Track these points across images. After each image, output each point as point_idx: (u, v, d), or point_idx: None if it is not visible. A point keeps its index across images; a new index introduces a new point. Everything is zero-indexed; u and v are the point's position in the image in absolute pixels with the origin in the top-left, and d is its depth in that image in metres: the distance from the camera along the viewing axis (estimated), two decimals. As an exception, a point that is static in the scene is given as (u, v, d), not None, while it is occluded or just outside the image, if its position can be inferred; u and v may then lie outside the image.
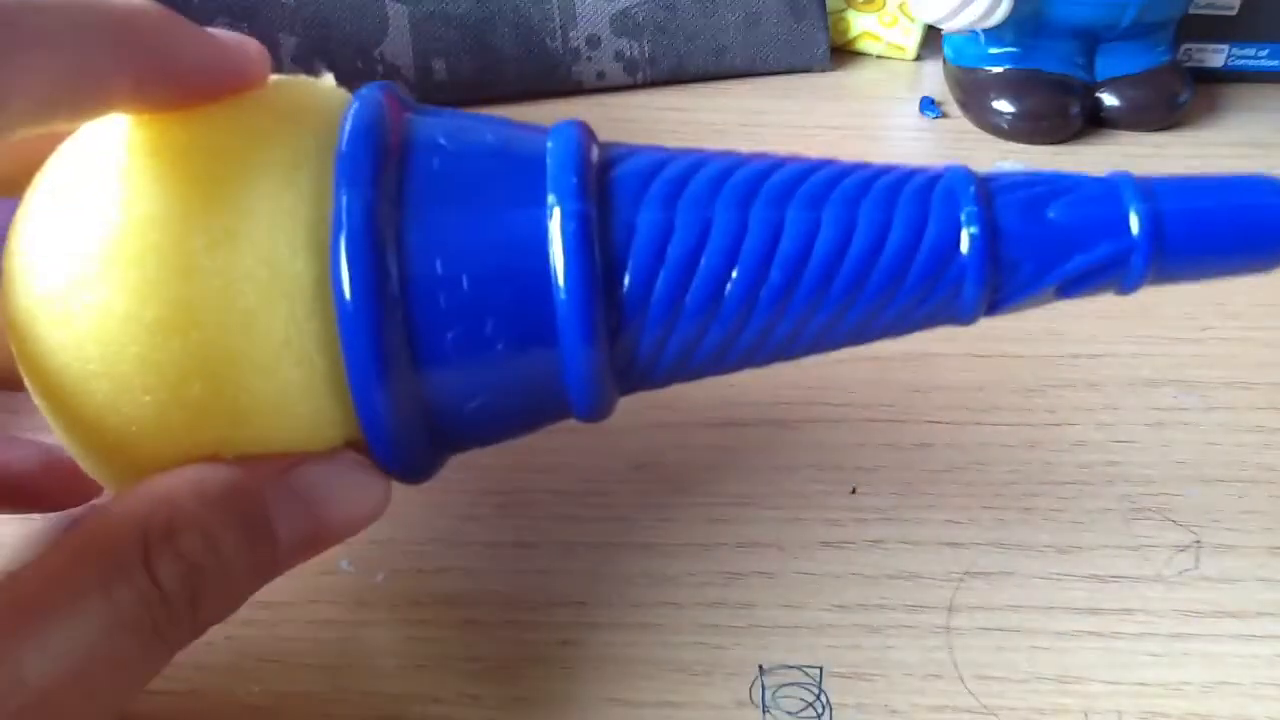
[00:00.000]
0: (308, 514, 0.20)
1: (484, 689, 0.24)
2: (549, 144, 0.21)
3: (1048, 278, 0.21)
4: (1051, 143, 0.48)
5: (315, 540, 0.20)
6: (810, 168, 0.21)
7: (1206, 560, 0.28)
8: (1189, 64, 0.52)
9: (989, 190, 0.21)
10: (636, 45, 0.50)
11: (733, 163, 0.21)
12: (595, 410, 0.21)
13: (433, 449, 0.21)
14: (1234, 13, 0.51)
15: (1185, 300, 0.38)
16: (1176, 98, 0.49)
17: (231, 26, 0.46)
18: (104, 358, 0.18)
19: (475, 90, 0.49)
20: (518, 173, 0.20)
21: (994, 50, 0.48)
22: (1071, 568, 0.28)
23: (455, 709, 0.24)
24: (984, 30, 0.47)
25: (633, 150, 0.21)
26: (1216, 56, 0.53)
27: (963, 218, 0.20)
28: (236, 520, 0.18)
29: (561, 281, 0.19)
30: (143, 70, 0.18)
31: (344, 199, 0.18)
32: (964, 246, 0.20)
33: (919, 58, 0.55)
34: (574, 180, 0.19)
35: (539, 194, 0.19)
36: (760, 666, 0.25)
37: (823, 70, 0.53)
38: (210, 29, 0.20)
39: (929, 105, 0.50)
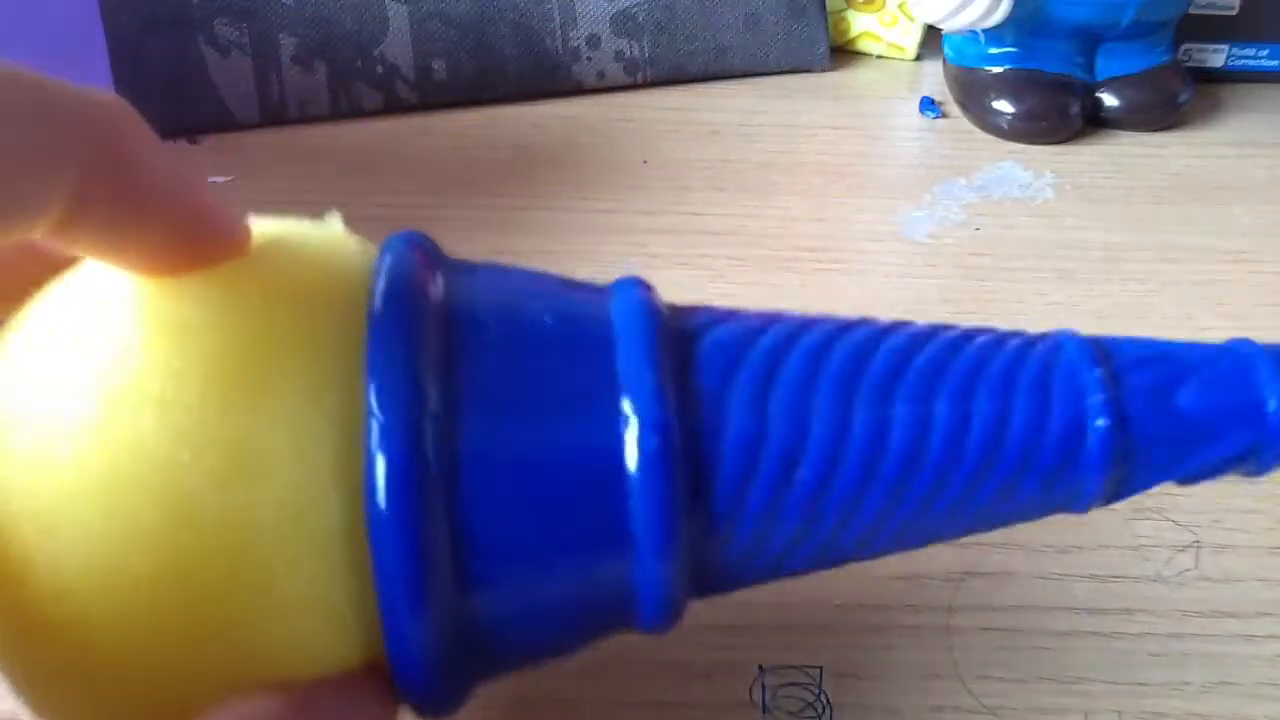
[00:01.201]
0: None
1: (484, 689, 0.24)
2: (614, 318, 0.17)
3: (1176, 470, 0.19)
4: (1051, 143, 0.48)
5: None
6: (912, 343, 0.18)
7: (1206, 560, 0.28)
8: (1189, 64, 0.52)
9: (1114, 371, 0.19)
10: (636, 45, 0.50)
11: (825, 337, 0.18)
12: (666, 623, 0.18)
13: (465, 681, 0.18)
14: (1234, 13, 0.51)
15: (1185, 300, 0.38)
16: (1176, 98, 0.49)
17: (232, 27, 0.46)
18: (90, 608, 0.14)
19: (475, 90, 0.49)
20: (584, 368, 0.16)
21: (994, 50, 0.48)
22: (1071, 568, 0.28)
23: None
24: (984, 30, 0.47)
25: (709, 320, 0.18)
26: (1216, 56, 0.53)
27: (1089, 406, 0.18)
28: None
29: (640, 504, 0.16)
30: (92, 175, 0.14)
31: (376, 429, 0.15)
32: (1090, 440, 0.18)
33: (919, 58, 0.55)
34: (650, 380, 0.16)
35: (612, 398, 0.16)
36: (760, 666, 0.25)
37: (823, 70, 0.53)
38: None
39: (929, 105, 0.50)
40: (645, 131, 0.47)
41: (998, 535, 0.28)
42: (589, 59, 0.50)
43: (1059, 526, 0.29)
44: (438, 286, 0.17)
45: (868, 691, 0.25)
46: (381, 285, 0.16)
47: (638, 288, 0.18)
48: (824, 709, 0.24)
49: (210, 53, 0.46)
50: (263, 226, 0.18)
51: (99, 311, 0.16)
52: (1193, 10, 0.50)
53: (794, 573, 0.19)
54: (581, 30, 0.49)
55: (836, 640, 0.26)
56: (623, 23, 0.50)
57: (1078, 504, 0.19)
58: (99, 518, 0.14)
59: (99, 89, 0.15)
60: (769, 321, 0.18)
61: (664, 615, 0.17)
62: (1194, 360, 0.19)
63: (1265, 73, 0.53)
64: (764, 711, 0.24)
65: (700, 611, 0.26)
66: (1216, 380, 0.19)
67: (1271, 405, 0.18)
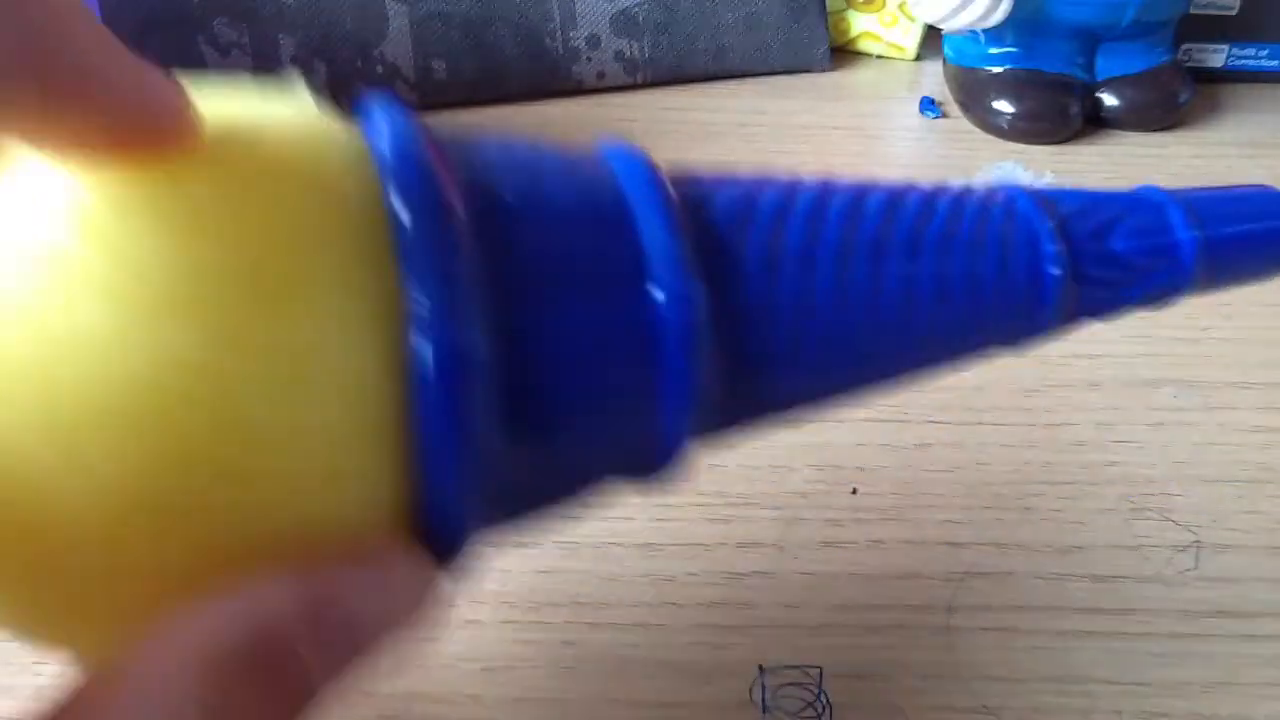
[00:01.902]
0: (346, 644, 0.15)
1: (484, 689, 0.24)
2: (626, 191, 0.18)
3: (1114, 302, 0.22)
4: (1051, 143, 0.48)
5: (355, 665, 0.16)
6: (890, 204, 0.20)
7: (1206, 560, 0.28)
8: (1189, 64, 0.52)
9: (1060, 222, 0.21)
10: (636, 45, 0.50)
11: (815, 201, 0.20)
12: (672, 459, 0.19)
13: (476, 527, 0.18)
14: (1234, 13, 0.52)
15: (1185, 300, 0.38)
16: (1176, 98, 0.49)
17: (231, 27, 0.46)
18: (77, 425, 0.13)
19: (475, 90, 0.49)
20: (608, 242, 0.17)
21: (994, 50, 0.48)
22: (1071, 568, 0.28)
23: (455, 709, 0.24)
24: (984, 30, 0.47)
25: (710, 186, 0.19)
26: (1216, 56, 0.53)
27: (1045, 256, 0.21)
28: (260, 684, 0.14)
29: (672, 363, 0.17)
30: (16, 52, 0.13)
31: (422, 314, 0.14)
32: (1047, 285, 0.21)
33: (919, 58, 0.55)
34: (674, 251, 0.17)
35: (639, 272, 0.17)
36: (760, 666, 0.25)
37: (823, 70, 0.53)
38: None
39: (929, 105, 0.50)
40: (645, 131, 0.47)
41: (997, 535, 0.28)
42: (589, 59, 0.50)
43: (1059, 526, 0.29)
44: (439, 150, 0.16)
45: (868, 691, 0.25)
46: (394, 161, 0.15)
47: (637, 159, 0.18)
48: (824, 709, 0.24)
49: (210, 53, 0.46)
50: (222, 98, 0.16)
51: (77, 212, 0.14)
52: (1193, 10, 0.50)
53: (803, 405, 0.21)
54: (581, 30, 0.49)
55: (836, 640, 0.26)
56: (623, 23, 0.50)
57: (1032, 335, 0.22)
58: (133, 438, 0.13)
59: None
60: (760, 186, 0.20)
61: (674, 453, 0.18)
62: (1119, 208, 0.22)
63: (1265, 73, 0.53)
64: (764, 711, 0.24)
65: (700, 612, 0.26)
66: (1141, 226, 0.22)
67: (1185, 246, 0.22)
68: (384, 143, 0.16)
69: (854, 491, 0.30)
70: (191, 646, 0.13)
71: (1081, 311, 0.22)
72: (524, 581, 0.27)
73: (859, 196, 0.20)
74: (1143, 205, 0.22)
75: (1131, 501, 0.30)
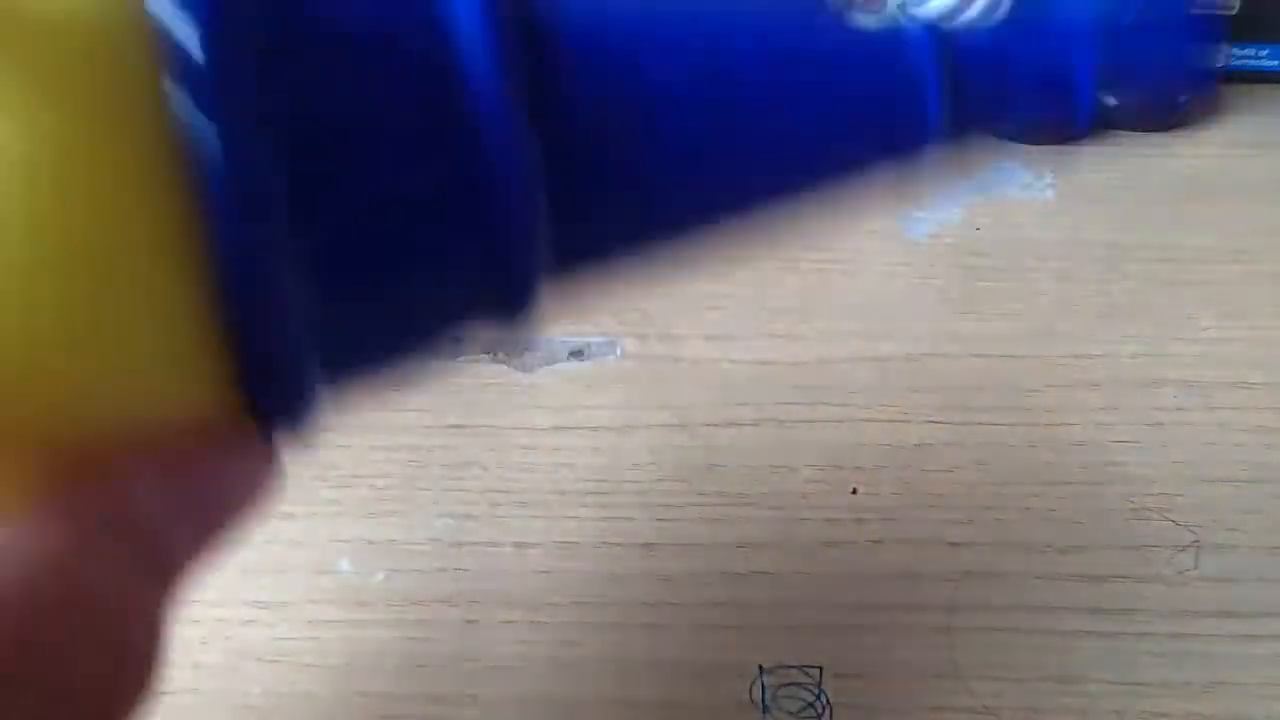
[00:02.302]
0: (201, 517, 0.15)
1: (484, 689, 0.24)
2: None
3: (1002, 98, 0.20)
4: (1051, 143, 0.48)
5: (213, 538, 0.15)
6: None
7: (1206, 560, 0.28)
8: (1189, 64, 0.52)
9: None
10: (636, 45, 0.50)
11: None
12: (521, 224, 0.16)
13: (311, 363, 0.15)
14: (1234, 13, 0.51)
15: (1185, 300, 0.38)
16: (1176, 98, 0.49)
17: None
18: None
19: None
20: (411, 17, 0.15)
21: (994, 50, 0.48)
22: (1071, 568, 0.28)
23: (455, 709, 0.24)
24: (984, 30, 0.47)
25: None
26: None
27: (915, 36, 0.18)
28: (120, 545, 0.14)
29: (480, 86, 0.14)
30: None
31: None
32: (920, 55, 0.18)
33: (919, 58, 0.55)
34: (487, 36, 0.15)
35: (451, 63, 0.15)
36: (760, 666, 0.25)
37: (823, 70, 0.53)
38: None
39: (929, 105, 0.50)
40: (645, 131, 0.47)
41: (997, 535, 0.28)
42: (589, 59, 0.50)
43: (1059, 526, 0.29)
44: None
45: (868, 691, 0.25)
46: None
47: None
48: (824, 709, 0.24)
49: (210, 53, 0.46)
50: None
51: None
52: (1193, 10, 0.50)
53: (654, 228, 0.18)
54: (581, 30, 0.49)
55: (836, 640, 0.26)
56: (623, 23, 0.50)
57: (913, 140, 0.19)
58: None
59: None
60: None
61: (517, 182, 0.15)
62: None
63: (1265, 73, 0.53)
64: (764, 711, 0.24)
65: (700, 612, 0.26)
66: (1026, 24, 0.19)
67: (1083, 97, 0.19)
68: None
69: (854, 491, 0.30)
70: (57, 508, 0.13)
71: (971, 101, 0.19)
72: (524, 581, 0.27)
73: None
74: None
75: (1131, 501, 0.30)
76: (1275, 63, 0.53)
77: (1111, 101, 0.48)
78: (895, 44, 0.18)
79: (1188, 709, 0.24)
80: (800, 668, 0.25)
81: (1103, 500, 0.30)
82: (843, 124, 0.18)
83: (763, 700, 0.24)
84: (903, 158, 0.19)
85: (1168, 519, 0.29)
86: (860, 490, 0.30)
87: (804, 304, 0.37)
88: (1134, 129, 0.49)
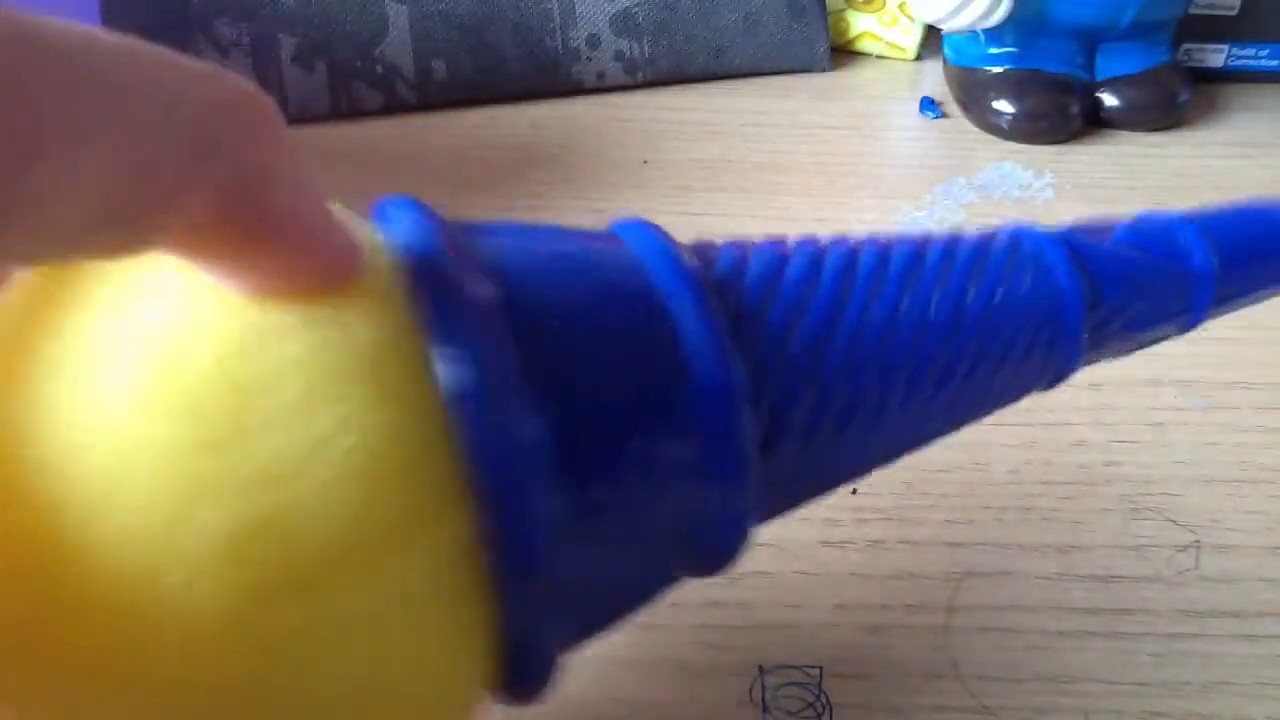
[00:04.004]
0: None
1: (484, 689, 0.24)
2: (656, 284, 0.17)
3: (1134, 330, 0.22)
4: (1051, 142, 0.48)
5: None
6: (910, 264, 0.20)
7: (1206, 560, 0.28)
8: (1189, 64, 0.52)
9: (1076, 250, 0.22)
10: (636, 45, 0.50)
11: (839, 267, 0.20)
12: (738, 538, 0.18)
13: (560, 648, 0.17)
14: (1234, 13, 0.52)
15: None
16: (1176, 98, 0.49)
17: (232, 26, 0.46)
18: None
19: (475, 90, 0.49)
20: (644, 333, 0.16)
21: (994, 50, 0.48)
22: (1071, 568, 0.28)
23: (455, 709, 0.24)
24: (984, 30, 0.47)
25: (734, 262, 0.19)
26: (1216, 56, 0.53)
27: (1065, 291, 0.21)
28: None
29: (712, 448, 0.17)
30: (224, 192, 0.12)
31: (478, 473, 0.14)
32: (1070, 319, 0.21)
33: (919, 58, 0.55)
34: (713, 344, 0.17)
35: (681, 365, 0.16)
36: (760, 666, 0.25)
37: (823, 70, 0.53)
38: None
39: (929, 105, 0.50)
40: (645, 131, 0.47)
41: (997, 535, 0.28)
42: (589, 59, 0.50)
43: (1059, 526, 0.29)
44: (473, 279, 0.15)
45: (868, 691, 0.25)
46: (430, 297, 0.14)
47: (657, 240, 0.18)
48: (824, 709, 0.24)
49: (210, 52, 0.46)
50: None
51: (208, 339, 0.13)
52: (1193, 10, 0.50)
53: (848, 459, 0.20)
54: (581, 30, 0.49)
55: (836, 640, 0.26)
56: (623, 23, 0.50)
57: (1059, 376, 0.22)
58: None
59: (229, 74, 0.12)
60: (780, 253, 0.19)
61: (735, 541, 0.18)
62: (1129, 231, 0.23)
63: (1265, 73, 0.53)
64: (764, 711, 0.24)
65: (700, 612, 0.26)
66: (1153, 244, 0.22)
67: (1198, 265, 0.22)
68: (410, 261, 0.15)
69: (854, 491, 0.30)
70: None
71: (1104, 344, 0.22)
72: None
73: (882, 257, 0.20)
74: (1153, 228, 0.22)
75: (1131, 501, 0.30)
76: (1275, 63, 0.53)
77: (1112, 101, 0.48)
78: (1053, 300, 0.20)
79: (1188, 709, 0.24)
80: (800, 668, 0.25)
81: (1103, 500, 0.30)
82: (1004, 373, 0.21)
83: (763, 700, 0.24)
84: (1051, 382, 0.22)
85: (1168, 519, 0.29)
86: (860, 490, 0.30)
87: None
88: (1134, 129, 0.49)
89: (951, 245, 0.20)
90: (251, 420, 0.13)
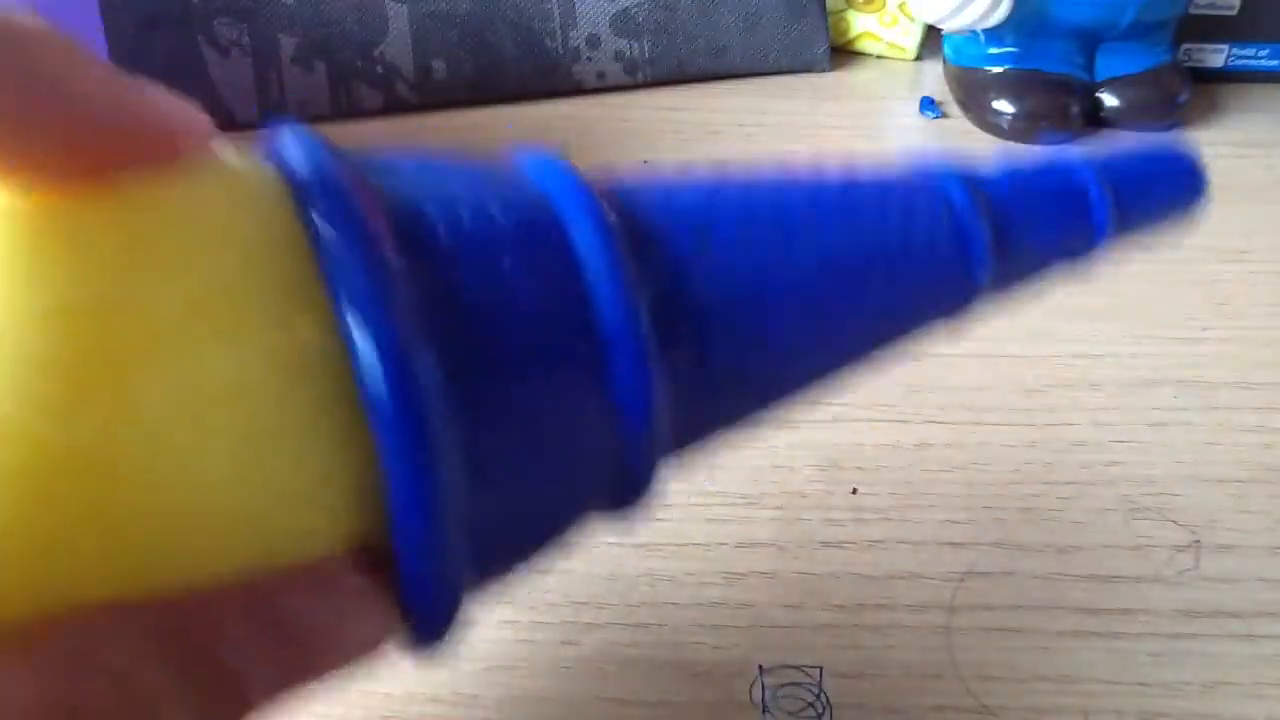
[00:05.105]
0: (286, 656, 0.14)
1: (484, 689, 0.24)
2: (558, 208, 0.17)
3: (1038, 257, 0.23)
4: (1051, 142, 0.48)
5: (294, 680, 0.14)
6: (818, 193, 0.21)
7: (1206, 560, 0.28)
8: (1189, 64, 0.52)
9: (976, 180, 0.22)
10: (636, 45, 0.50)
11: (739, 198, 0.20)
12: (647, 469, 0.18)
13: (464, 579, 0.17)
14: (1234, 13, 0.51)
15: (1185, 300, 0.38)
16: (1176, 98, 0.49)
17: (232, 26, 0.46)
18: None
19: (475, 90, 0.49)
20: (547, 263, 0.17)
21: (994, 50, 0.48)
22: (1071, 568, 0.28)
23: (455, 709, 0.24)
24: (984, 30, 0.47)
25: (636, 189, 0.19)
26: (1216, 56, 0.53)
27: (965, 205, 0.21)
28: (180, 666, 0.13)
29: (620, 371, 0.17)
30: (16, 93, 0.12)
31: (364, 351, 0.14)
32: (971, 233, 0.21)
33: (919, 58, 0.55)
34: (617, 274, 0.17)
35: (579, 289, 0.17)
36: (760, 666, 0.25)
37: (823, 70, 0.53)
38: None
39: (929, 105, 0.50)
40: (645, 131, 0.47)
41: (997, 535, 0.28)
42: (589, 59, 0.50)
43: (1059, 526, 0.29)
44: (369, 188, 0.15)
45: (868, 691, 0.25)
46: (321, 206, 0.14)
47: (561, 171, 0.18)
48: (824, 709, 0.24)
49: (210, 52, 0.46)
50: None
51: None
52: (1193, 10, 0.50)
53: (756, 403, 0.20)
54: (581, 30, 0.49)
55: (836, 640, 0.26)
56: (623, 23, 0.50)
57: (966, 298, 0.22)
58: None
59: None
60: (685, 186, 0.20)
61: (644, 472, 0.18)
62: (1034, 168, 0.23)
63: (1265, 73, 0.53)
64: (764, 711, 0.24)
65: (700, 611, 0.26)
66: (1053, 178, 0.22)
67: (1094, 192, 0.22)
68: (300, 167, 0.15)
69: (854, 491, 0.30)
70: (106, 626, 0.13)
71: (1010, 267, 0.22)
72: (524, 581, 0.27)
73: (782, 190, 0.20)
74: (1054, 167, 0.23)
75: (1131, 501, 0.30)
76: (1275, 63, 0.53)
77: (1112, 101, 0.48)
78: (949, 216, 0.21)
79: (1188, 709, 0.24)
80: (800, 668, 0.25)
81: (1103, 500, 0.30)
82: (909, 300, 0.21)
83: (763, 700, 0.24)
84: (956, 313, 0.22)
85: (1168, 519, 0.29)
86: (860, 490, 0.30)
87: (804, 304, 0.37)
88: (1134, 129, 0.49)
89: (854, 179, 0.21)
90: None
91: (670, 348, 0.17)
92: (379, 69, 0.47)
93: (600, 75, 0.50)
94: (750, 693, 0.24)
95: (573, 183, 0.18)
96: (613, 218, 0.17)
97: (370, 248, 0.14)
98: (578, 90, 0.50)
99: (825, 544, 0.28)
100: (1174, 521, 0.29)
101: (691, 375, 0.18)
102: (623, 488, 0.18)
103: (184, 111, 0.14)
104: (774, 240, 0.19)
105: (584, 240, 0.17)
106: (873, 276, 0.20)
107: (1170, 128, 0.49)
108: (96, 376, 0.13)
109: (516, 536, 0.18)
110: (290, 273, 0.14)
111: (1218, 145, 0.48)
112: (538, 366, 0.16)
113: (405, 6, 0.47)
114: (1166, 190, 0.25)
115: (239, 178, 0.15)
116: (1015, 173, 0.22)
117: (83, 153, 0.13)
